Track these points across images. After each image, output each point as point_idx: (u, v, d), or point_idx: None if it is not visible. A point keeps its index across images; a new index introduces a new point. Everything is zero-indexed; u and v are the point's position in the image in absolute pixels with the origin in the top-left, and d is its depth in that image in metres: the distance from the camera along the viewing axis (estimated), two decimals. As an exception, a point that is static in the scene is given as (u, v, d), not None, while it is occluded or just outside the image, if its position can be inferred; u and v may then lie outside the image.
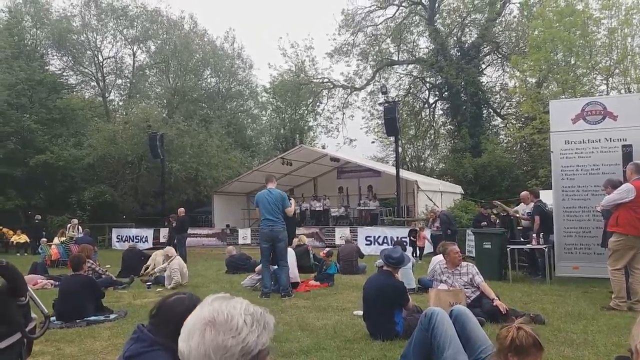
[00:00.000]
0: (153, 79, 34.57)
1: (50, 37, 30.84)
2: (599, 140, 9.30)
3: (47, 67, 30.68)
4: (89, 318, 6.50)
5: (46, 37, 31.26)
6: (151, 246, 18.90)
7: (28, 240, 21.38)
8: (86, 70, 33.07)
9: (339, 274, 10.39)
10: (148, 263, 11.99)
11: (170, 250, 10.35)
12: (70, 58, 32.23)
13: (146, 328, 2.54)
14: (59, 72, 32.17)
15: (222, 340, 1.29)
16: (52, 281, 10.07)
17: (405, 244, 13.65)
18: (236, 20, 74.21)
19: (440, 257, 6.65)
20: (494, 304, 5.68)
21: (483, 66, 32.63)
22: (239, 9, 72.00)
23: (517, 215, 11.40)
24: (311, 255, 11.69)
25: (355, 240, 16.21)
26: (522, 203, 11.47)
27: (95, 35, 31.80)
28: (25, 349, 1.44)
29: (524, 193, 11.59)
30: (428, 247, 14.44)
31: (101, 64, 32.53)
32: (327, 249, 10.55)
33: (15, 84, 25.29)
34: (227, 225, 22.97)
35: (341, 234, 18.09)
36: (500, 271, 9.64)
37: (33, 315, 1.45)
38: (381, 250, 6.58)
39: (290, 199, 8.72)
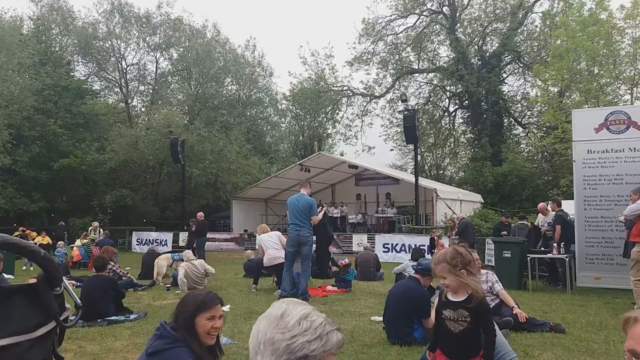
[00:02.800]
0: (175, 86, 35.09)
1: (76, 44, 31.60)
2: (623, 150, 9.18)
3: (72, 74, 31.43)
4: (109, 318, 6.61)
5: (72, 44, 32.05)
6: (170, 249, 19.10)
7: (51, 242, 21.80)
8: (110, 76, 33.76)
9: (356, 280, 10.39)
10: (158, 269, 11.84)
11: (186, 253, 10.47)
12: (94, 64, 32.95)
13: (169, 325, 2.61)
14: (84, 78, 32.95)
15: (271, 333, 1.36)
16: (73, 282, 10.26)
17: (424, 252, 13.56)
18: (257, 28, 74.99)
19: (459, 264, 6.61)
20: (514, 312, 5.63)
21: (504, 75, 32.35)
22: (261, 17, 72.77)
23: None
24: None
25: (373, 247, 16.17)
26: (540, 214, 11.35)
27: (119, 42, 32.46)
28: (58, 338, 1.50)
29: (541, 204, 11.51)
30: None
31: (125, 70, 33.16)
32: (346, 260, 10.52)
33: (42, 89, 25.93)
34: (245, 231, 23.12)
35: (359, 241, 18.06)
36: (520, 280, 9.54)
37: (67, 305, 1.51)
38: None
39: (321, 207, 8.83)
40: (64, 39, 32.18)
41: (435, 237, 14.46)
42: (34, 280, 1.46)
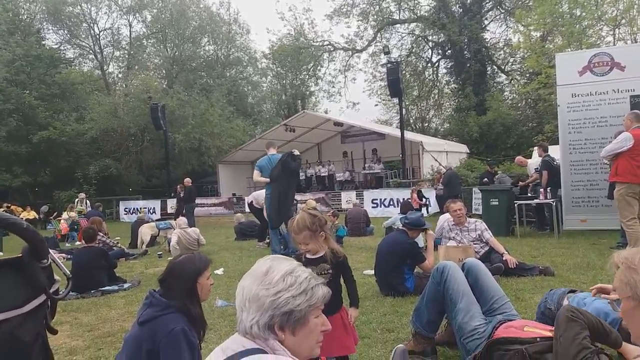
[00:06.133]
0: (151, 49, 34.16)
1: (44, 10, 30.39)
2: (607, 92, 9.16)
3: (43, 42, 30.36)
4: (103, 288, 6.60)
5: (41, 11, 30.81)
6: (159, 217, 19.06)
7: (37, 217, 21.61)
8: (83, 43, 32.71)
9: (347, 237, 10.48)
10: (142, 238, 11.59)
11: (179, 221, 10.38)
12: (66, 31, 31.84)
13: (158, 292, 2.58)
14: (56, 46, 31.88)
15: (256, 290, 1.38)
16: (64, 255, 10.21)
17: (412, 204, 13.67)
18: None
19: (447, 215, 6.66)
20: (504, 258, 5.71)
21: (486, 22, 31.93)
22: (234, -26, 70.14)
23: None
24: None
25: (362, 203, 16.27)
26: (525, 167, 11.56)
27: (89, 6, 31.30)
28: (50, 311, 1.45)
29: (517, 158, 11.77)
30: (435, 207, 14.50)
31: (98, 36, 32.13)
32: (333, 210, 10.67)
33: (13, 60, 25.09)
34: (234, 194, 23.08)
35: (347, 198, 18.15)
36: (508, 227, 9.67)
37: (56, 277, 1.46)
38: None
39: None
40: (32, 6, 30.91)
41: (411, 191, 14.58)
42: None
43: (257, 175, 8.57)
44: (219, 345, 1.46)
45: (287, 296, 1.36)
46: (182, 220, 10.61)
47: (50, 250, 1.45)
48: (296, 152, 8.30)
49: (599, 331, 2.29)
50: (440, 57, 33.82)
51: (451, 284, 3.16)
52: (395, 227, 8.39)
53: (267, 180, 8.23)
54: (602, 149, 8.87)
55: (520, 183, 11.06)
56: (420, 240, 8.00)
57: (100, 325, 4.97)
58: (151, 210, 21.57)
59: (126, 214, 22.41)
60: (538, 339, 2.44)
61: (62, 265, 1.50)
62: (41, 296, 1.35)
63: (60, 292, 1.45)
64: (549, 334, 2.45)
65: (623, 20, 21.64)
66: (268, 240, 10.30)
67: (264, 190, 10.18)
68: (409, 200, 14.29)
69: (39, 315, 1.36)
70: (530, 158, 12.46)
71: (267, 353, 1.35)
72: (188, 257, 2.72)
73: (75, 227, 14.79)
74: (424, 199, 14.14)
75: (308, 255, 3.03)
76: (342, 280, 3.20)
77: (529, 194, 10.29)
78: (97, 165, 25.75)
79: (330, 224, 9.86)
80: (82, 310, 5.64)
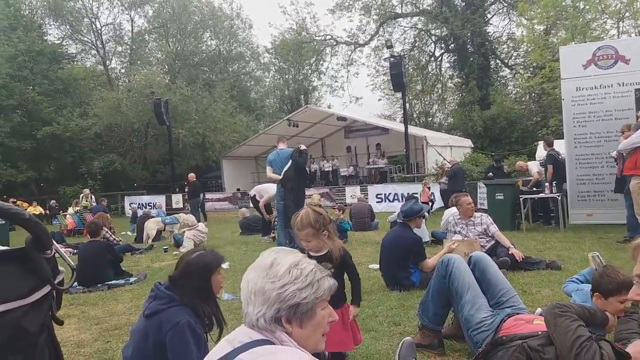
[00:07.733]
0: (153, 45, 34.16)
1: (45, 6, 30.41)
2: (611, 85, 9.11)
3: (45, 37, 30.38)
4: (109, 282, 6.62)
5: (42, 7, 30.83)
6: (164, 212, 19.07)
7: (43, 212, 21.69)
8: (85, 38, 32.75)
9: (351, 231, 10.48)
10: (147, 232, 11.54)
11: (188, 218, 10.31)
12: (68, 27, 31.86)
13: (163, 285, 2.58)
14: (58, 41, 31.89)
15: (261, 283, 1.36)
16: (70, 249, 10.23)
17: (417, 199, 13.63)
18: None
19: (453, 209, 6.64)
20: (510, 252, 5.69)
21: (489, 16, 31.68)
22: (236, -32, 69.92)
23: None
24: None
25: (366, 198, 16.26)
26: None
27: (91, 1, 31.34)
28: (55, 302, 1.45)
29: (518, 164, 11.94)
30: (439, 202, 14.47)
31: (100, 31, 32.14)
32: (338, 204, 10.65)
33: (15, 55, 25.11)
34: (238, 189, 23.10)
35: (352, 193, 18.15)
36: (514, 221, 9.64)
37: (60, 268, 1.45)
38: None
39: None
40: (33, 1, 30.92)
41: (422, 185, 14.61)
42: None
43: (269, 172, 8.57)
44: (225, 337, 1.46)
45: (293, 289, 1.35)
46: (190, 217, 10.35)
47: (56, 244, 1.45)
48: (302, 147, 8.28)
49: (586, 316, 2.38)
50: (443, 51, 33.64)
51: (456, 276, 3.16)
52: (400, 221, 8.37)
53: (279, 177, 8.22)
54: (607, 143, 8.91)
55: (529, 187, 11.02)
56: (425, 234, 8.00)
57: (108, 318, 4.99)
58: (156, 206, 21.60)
59: (131, 209, 22.44)
60: (539, 332, 2.44)
61: (66, 257, 1.49)
62: (46, 287, 1.34)
63: (65, 283, 1.44)
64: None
65: (627, 13, 21.52)
66: (273, 235, 10.33)
67: (267, 185, 10.20)
68: (416, 195, 14.30)
69: (44, 306, 1.36)
70: (535, 152, 12.46)
71: (275, 344, 1.35)
72: (200, 255, 2.71)
73: (83, 222, 14.84)
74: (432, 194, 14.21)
75: (311, 253, 3.00)
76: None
77: (534, 188, 10.26)
78: (101, 161, 25.81)
79: (335, 218, 9.86)
80: (89, 303, 5.66)
